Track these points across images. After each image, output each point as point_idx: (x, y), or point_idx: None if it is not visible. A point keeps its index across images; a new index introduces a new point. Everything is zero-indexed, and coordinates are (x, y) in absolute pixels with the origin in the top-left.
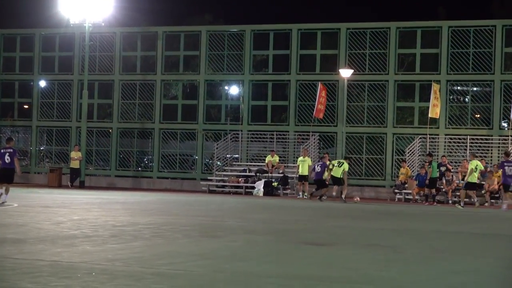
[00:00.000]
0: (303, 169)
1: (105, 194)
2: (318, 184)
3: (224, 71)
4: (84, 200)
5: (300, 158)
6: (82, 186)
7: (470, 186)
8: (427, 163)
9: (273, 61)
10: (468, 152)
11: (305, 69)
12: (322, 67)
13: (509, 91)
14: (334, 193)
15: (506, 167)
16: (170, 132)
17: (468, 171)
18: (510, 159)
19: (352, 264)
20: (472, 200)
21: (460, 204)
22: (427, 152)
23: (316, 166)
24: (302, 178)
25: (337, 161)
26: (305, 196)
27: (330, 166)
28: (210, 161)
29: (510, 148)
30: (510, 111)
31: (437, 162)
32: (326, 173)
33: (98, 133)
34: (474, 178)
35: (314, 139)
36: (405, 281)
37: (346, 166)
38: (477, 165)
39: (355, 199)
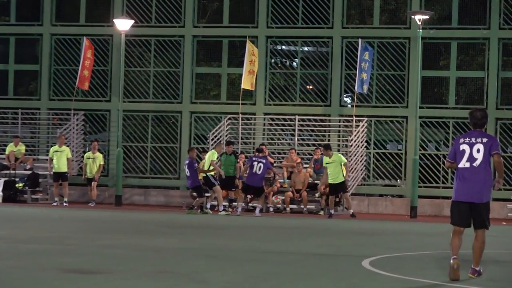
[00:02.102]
0: (60, 164)
1: None
2: (197, 191)
3: None
4: None
5: (55, 148)
6: None
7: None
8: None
9: (17, 6)
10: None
11: (64, 18)
12: (89, 16)
13: (353, 52)
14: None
15: (255, 163)
16: None
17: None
18: (261, 155)
19: None
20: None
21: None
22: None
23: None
24: (59, 176)
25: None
26: (65, 202)
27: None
28: None
29: (355, 133)
30: (355, 80)
31: (237, 153)
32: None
33: None
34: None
35: (78, 120)
36: None
37: (342, 159)
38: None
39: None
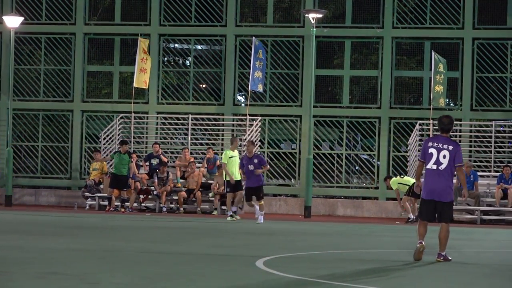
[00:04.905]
0: None
1: None
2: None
3: None
4: None
5: None
6: None
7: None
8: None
9: None
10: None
11: None
12: None
13: (246, 50)
14: (412, 217)
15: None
16: None
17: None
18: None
19: None
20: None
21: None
22: (121, 139)
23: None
24: None
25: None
26: None
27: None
28: None
29: (249, 133)
30: (249, 79)
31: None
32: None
33: None
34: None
35: None
36: None
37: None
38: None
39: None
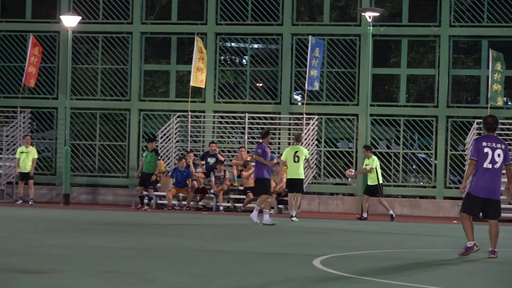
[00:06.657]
0: (25, 165)
1: None
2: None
3: None
4: None
5: (21, 149)
6: None
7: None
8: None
9: None
10: (246, 137)
11: (9, 14)
12: (35, 12)
13: (303, 49)
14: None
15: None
16: None
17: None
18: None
19: None
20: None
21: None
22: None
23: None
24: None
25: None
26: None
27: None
28: None
29: (306, 131)
30: (305, 78)
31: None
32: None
33: None
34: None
35: (24, 118)
36: None
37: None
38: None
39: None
